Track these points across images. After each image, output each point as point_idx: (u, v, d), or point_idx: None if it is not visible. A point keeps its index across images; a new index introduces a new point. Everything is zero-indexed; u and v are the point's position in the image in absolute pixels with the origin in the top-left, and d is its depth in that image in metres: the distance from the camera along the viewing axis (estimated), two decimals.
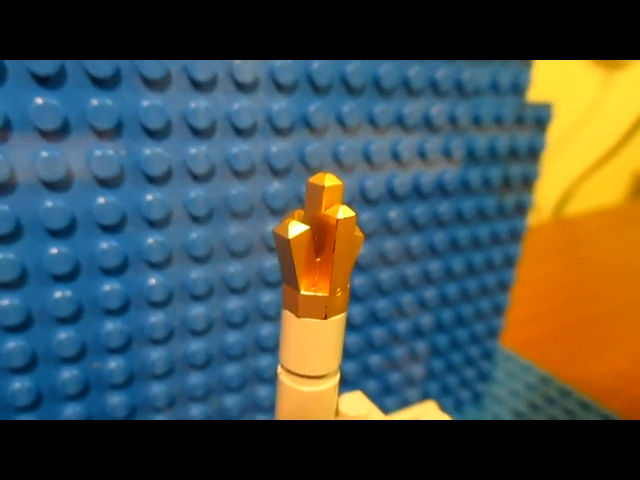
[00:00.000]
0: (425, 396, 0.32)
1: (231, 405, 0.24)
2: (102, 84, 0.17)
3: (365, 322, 0.27)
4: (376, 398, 0.29)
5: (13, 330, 0.18)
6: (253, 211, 0.21)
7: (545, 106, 0.28)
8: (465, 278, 0.30)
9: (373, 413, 0.16)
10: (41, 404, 0.19)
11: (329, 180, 0.12)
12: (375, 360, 0.28)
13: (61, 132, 0.16)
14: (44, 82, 0.16)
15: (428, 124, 0.24)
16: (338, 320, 0.13)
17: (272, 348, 0.24)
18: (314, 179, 0.12)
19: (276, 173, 0.21)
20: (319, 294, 0.12)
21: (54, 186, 0.17)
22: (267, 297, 0.23)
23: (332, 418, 0.15)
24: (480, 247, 0.29)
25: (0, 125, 0.15)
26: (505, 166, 0.28)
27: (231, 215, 0.20)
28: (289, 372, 0.13)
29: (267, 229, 0.22)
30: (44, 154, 0.16)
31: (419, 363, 0.30)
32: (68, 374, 0.19)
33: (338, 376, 0.14)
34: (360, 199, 0.24)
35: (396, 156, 0.24)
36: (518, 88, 0.26)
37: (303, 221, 0.12)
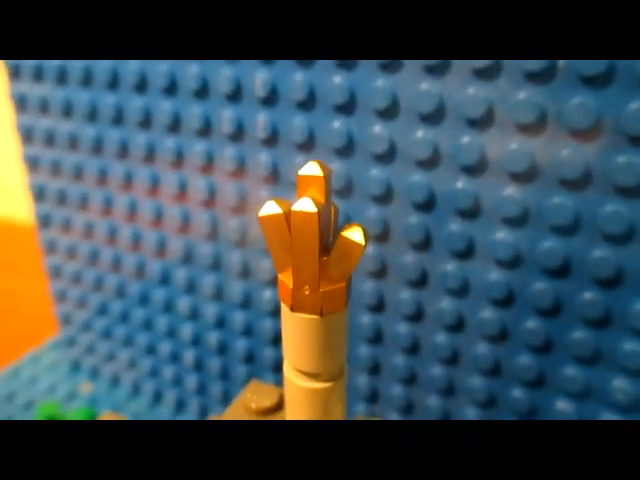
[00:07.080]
0: None
1: None
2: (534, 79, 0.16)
3: None
4: None
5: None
6: None
7: None
8: None
9: None
10: None
11: (308, 168, 0.11)
12: None
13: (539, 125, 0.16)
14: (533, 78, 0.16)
15: None
16: (308, 320, 0.11)
17: None
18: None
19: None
20: (287, 283, 0.11)
21: (517, 177, 0.17)
22: None
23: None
24: None
25: (536, 118, 0.16)
26: None
27: None
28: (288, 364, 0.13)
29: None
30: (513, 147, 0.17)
31: None
32: None
33: (331, 384, 0.12)
34: None
35: None
36: None
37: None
